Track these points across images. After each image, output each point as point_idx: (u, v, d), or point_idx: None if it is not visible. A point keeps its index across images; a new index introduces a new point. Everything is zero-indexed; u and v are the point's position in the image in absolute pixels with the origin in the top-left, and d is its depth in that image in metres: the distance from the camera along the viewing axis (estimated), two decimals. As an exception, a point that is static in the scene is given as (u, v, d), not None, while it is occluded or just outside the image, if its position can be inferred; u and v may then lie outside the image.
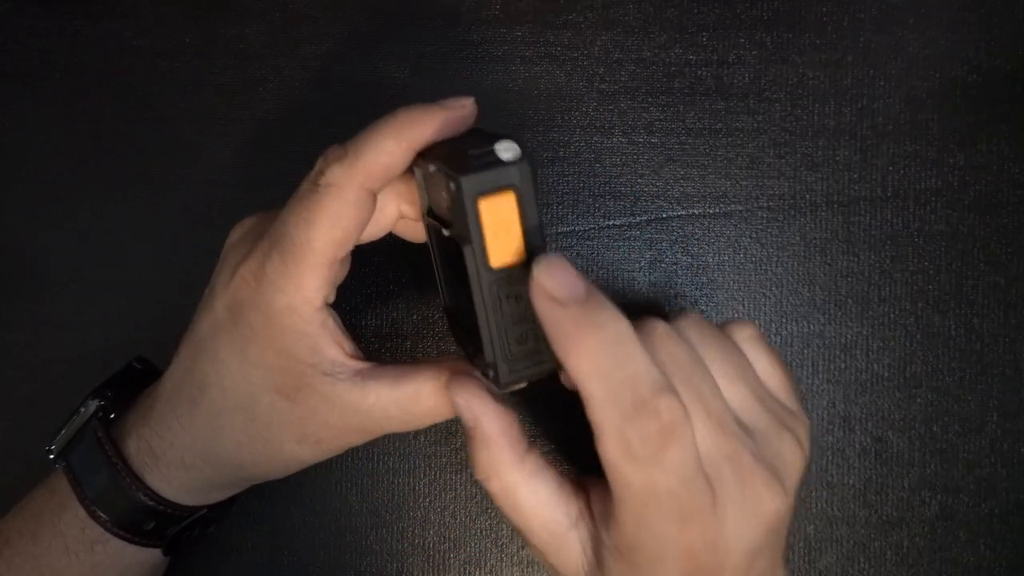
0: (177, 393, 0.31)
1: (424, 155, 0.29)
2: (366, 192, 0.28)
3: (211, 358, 0.30)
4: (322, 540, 0.40)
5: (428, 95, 0.40)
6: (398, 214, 0.31)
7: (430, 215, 0.30)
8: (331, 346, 0.29)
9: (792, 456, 0.27)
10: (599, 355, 0.24)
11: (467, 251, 0.26)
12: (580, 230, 0.41)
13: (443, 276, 0.32)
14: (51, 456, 0.33)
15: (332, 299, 0.30)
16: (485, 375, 0.28)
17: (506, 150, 0.26)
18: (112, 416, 0.33)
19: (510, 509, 0.28)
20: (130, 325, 0.40)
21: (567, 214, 0.41)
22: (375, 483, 0.40)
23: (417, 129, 0.28)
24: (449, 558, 0.40)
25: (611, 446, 0.24)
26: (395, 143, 0.28)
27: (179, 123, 0.41)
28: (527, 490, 0.27)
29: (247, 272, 0.29)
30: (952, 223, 0.41)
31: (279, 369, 0.29)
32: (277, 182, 0.41)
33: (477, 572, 0.40)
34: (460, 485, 0.40)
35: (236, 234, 0.32)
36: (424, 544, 0.40)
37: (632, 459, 0.23)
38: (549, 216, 0.41)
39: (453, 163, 0.26)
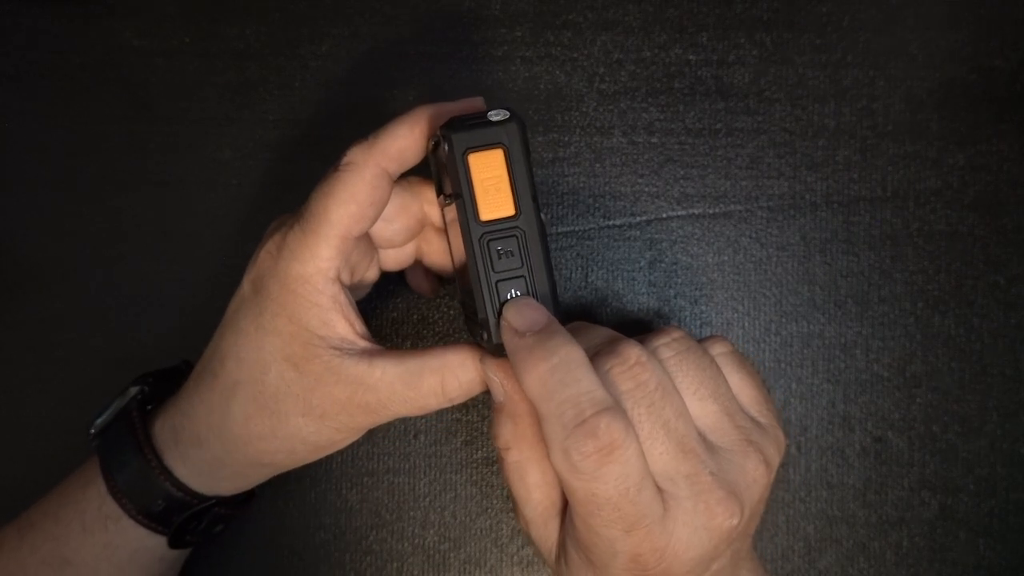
0: (202, 369, 0.32)
1: (433, 136, 0.30)
2: (381, 171, 0.30)
3: (233, 330, 0.31)
4: (322, 540, 0.40)
5: (428, 95, 0.40)
6: (423, 214, 0.34)
7: (441, 199, 0.32)
8: (341, 321, 0.30)
9: (755, 473, 0.28)
10: (547, 377, 0.26)
11: (458, 205, 0.28)
12: (580, 230, 0.41)
13: (457, 267, 0.33)
14: (91, 436, 0.34)
15: (348, 279, 0.32)
16: (481, 339, 0.29)
17: (495, 114, 0.28)
18: (150, 407, 0.34)
19: (518, 479, 0.30)
20: (131, 324, 0.40)
21: (567, 214, 0.41)
22: (375, 483, 0.40)
23: (429, 119, 0.31)
24: (449, 558, 0.40)
25: (556, 459, 0.26)
26: (408, 129, 0.30)
27: (179, 123, 0.41)
28: (538, 468, 0.29)
29: (271, 245, 0.31)
30: (952, 223, 0.41)
31: (289, 336, 0.30)
32: (278, 181, 0.41)
33: (477, 572, 0.40)
34: (460, 485, 0.40)
35: (273, 224, 0.34)
36: (424, 544, 0.40)
37: (574, 471, 0.25)
38: (549, 216, 0.41)
39: (449, 125, 0.28)
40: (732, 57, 0.41)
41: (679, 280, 0.41)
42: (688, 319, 0.41)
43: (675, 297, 0.41)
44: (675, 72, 0.41)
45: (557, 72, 0.41)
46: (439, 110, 0.31)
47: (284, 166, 0.41)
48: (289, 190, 0.41)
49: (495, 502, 0.40)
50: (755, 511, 0.29)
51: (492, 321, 0.28)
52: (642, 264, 0.41)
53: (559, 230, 0.41)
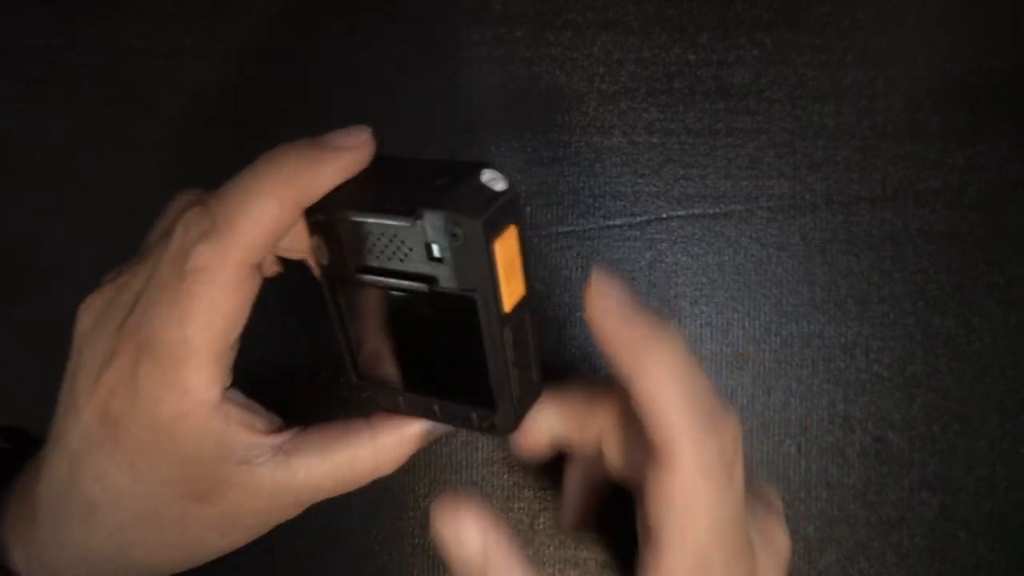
0: (62, 507, 0.26)
1: (330, 202, 0.24)
2: (247, 269, 0.23)
3: (94, 476, 0.25)
4: (322, 540, 0.40)
5: (428, 95, 0.40)
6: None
7: (332, 272, 0.25)
8: (240, 433, 0.25)
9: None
10: (676, 365, 0.22)
11: (479, 300, 0.23)
12: (580, 230, 0.41)
13: (356, 335, 0.28)
14: None
15: (230, 382, 0.25)
16: (479, 428, 0.26)
17: (493, 179, 0.22)
18: None
19: None
20: (130, 325, 0.40)
21: (567, 214, 0.41)
22: (375, 483, 0.40)
23: (306, 183, 0.23)
24: (449, 558, 0.40)
25: (688, 461, 0.22)
26: (279, 205, 0.23)
27: (179, 123, 0.41)
28: None
29: (115, 383, 0.24)
30: (952, 223, 0.41)
31: (182, 479, 0.25)
32: (277, 182, 0.41)
33: (477, 572, 0.40)
34: (460, 485, 0.40)
35: (87, 319, 0.27)
36: (424, 544, 0.40)
37: (707, 476, 0.22)
38: (549, 216, 0.41)
39: (452, 204, 0.21)
40: (732, 57, 0.41)
41: (679, 280, 0.41)
42: (688, 319, 0.41)
43: (675, 297, 0.41)
44: (675, 72, 0.41)
45: (557, 72, 0.41)
46: (313, 163, 0.23)
47: (284, 166, 0.41)
48: (289, 190, 0.41)
49: (495, 502, 0.40)
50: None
51: (512, 418, 0.25)
52: (642, 264, 0.41)
53: (559, 230, 0.41)
